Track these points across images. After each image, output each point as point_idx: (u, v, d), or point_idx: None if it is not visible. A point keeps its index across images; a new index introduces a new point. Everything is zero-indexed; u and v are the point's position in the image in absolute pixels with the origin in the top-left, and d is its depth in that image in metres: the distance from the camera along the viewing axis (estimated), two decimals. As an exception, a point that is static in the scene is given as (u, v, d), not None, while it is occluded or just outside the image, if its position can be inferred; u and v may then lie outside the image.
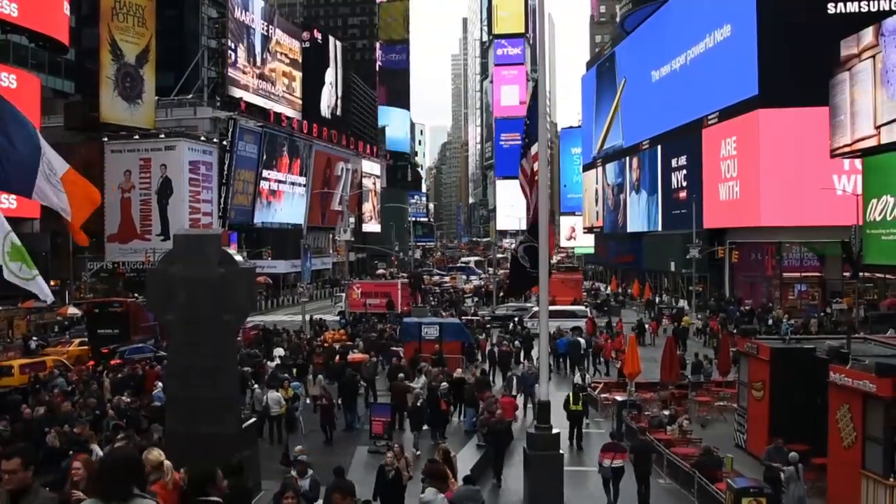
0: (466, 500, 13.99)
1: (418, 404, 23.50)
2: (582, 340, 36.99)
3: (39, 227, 54.02)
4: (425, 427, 23.32)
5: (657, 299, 64.56)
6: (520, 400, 27.46)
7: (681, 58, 69.33)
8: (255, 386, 25.49)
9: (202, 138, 73.43)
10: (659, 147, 74.59)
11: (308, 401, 27.13)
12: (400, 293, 55.38)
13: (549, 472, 16.34)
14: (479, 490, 15.00)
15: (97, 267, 63.19)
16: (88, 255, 62.17)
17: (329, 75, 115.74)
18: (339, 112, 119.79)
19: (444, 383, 25.10)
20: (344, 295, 59.06)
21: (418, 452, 21.02)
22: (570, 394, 24.04)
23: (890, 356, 18.11)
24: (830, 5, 52.61)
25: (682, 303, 60.01)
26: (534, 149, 17.45)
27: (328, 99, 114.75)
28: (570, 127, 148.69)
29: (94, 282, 62.89)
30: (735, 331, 37.68)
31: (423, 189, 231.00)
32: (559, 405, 23.01)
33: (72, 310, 51.05)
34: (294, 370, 30.49)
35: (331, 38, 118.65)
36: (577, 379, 29.53)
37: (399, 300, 54.37)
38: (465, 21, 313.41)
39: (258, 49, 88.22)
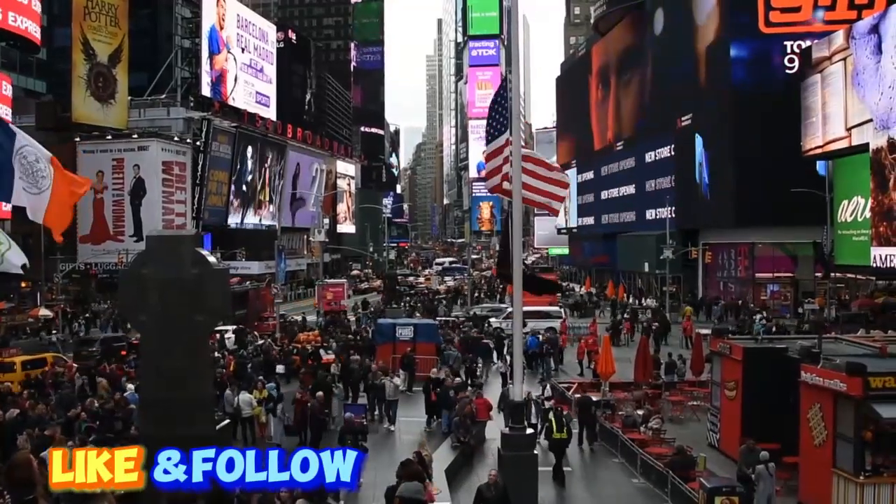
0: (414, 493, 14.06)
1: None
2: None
3: (11, 228, 53.42)
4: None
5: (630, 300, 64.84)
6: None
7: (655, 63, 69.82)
8: (227, 390, 25.20)
9: (175, 139, 72.85)
10: (633, 147, 74.95)
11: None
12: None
13: (524, 472, 16.35)
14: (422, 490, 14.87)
15: (69, 268, 62.56)
16: (60, 257, 61.50)
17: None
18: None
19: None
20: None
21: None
22: (553, 420, 21.27)
23: (860, 356, 18.31)
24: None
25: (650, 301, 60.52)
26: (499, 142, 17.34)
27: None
28: (545, 128, 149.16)
29: (66, 283, 62.25)
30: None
31: (398, 190, 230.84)
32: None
33: (43, 311, 50.46)
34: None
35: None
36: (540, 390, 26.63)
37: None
38: (439, 22, 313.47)
39: (234, 49, 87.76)
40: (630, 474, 20.92)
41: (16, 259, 14.15)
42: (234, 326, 42.37)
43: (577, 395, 26.62)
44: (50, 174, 16.51)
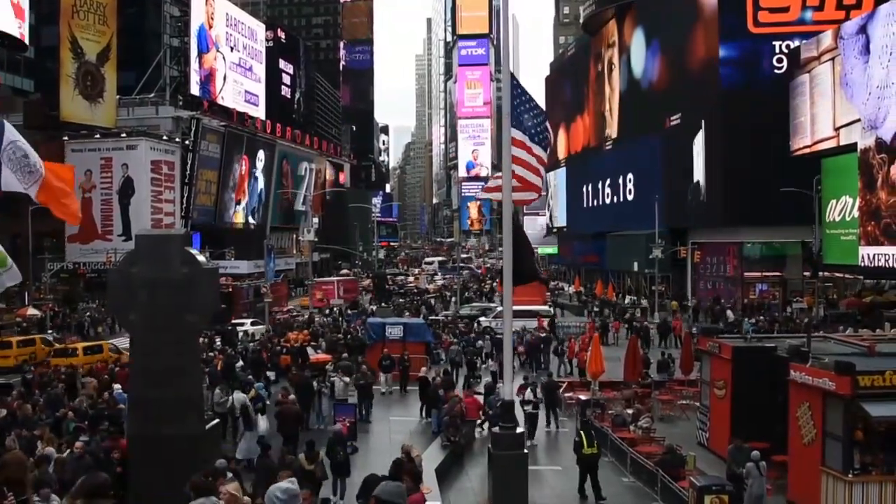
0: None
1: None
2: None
3: (-1, 226, 53.22)
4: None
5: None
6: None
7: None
8: (217, 389, 25.08)
9: (164, 138, 72.63)
10: (622, 146, 75.05)
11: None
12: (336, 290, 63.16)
13: (514, 471, 16.33)
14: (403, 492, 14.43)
15: (57, 268, 62.31)
16: (48, 256, 61.28)
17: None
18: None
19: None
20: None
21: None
22: (583, 434, 19.72)
23: (849, 355, 18.36)
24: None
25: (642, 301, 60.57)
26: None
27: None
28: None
29: (54, 283, 61.99)
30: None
31: (388, 189, 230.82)
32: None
33: (31, 311, 50.25)
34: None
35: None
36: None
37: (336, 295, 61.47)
38: (429, 21, 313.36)
39: (223, 47, 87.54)
40: (620, 473, 20.94)
41: (9, 280, 14.17)
42: (253, 319, 48.79)
43: (544, 380, 27.08)
44: (39, 168, 16.46)
